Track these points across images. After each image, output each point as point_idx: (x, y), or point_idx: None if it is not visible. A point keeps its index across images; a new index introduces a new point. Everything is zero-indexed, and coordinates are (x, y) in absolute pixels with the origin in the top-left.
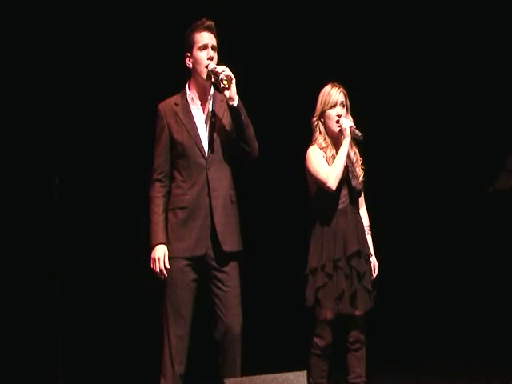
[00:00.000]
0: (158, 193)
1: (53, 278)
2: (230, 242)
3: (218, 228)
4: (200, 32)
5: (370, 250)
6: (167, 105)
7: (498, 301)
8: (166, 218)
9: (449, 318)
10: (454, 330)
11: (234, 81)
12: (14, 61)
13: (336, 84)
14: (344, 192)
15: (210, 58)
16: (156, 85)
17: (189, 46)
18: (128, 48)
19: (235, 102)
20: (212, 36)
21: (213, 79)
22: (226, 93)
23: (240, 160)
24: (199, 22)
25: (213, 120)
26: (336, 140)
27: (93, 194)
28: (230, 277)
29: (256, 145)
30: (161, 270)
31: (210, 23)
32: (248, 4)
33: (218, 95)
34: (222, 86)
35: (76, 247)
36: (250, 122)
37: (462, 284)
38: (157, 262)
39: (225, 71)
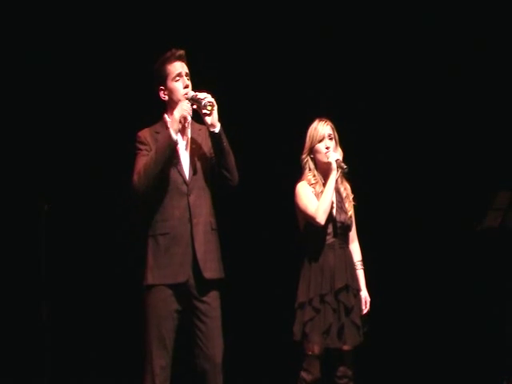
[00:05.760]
0: None
1: (40, 305)
2: (211, 269)
3: (199, 255)
4: (172, 63)
5: (359, 284)
6: (147, 132)
7: (487, 340)
8: (147, 244)
9: (441, 356)
10: (446, 369)
11: (215, 107)
12: None
13: (323, 119)
14: (331, 227)
15: (186, 86)
16: (136, 114)
17: (161, 78)
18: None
19: (217, 129)
20: (183, 64)
21: (194, 106)
22: (208, 119)
23: (219, 188)
24: (169, 54)
25: (193, 147)
26: (326, 176)
27: (81, 220)
28: (212, 307)
29: (236, 173)
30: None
31: (181, 52)
32: (231, 37)
33: (196, 124)
34: (205, 112)
35: (63, 273)
36: (230, 150)
37: (454, 322)
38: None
39: (207, 97)
